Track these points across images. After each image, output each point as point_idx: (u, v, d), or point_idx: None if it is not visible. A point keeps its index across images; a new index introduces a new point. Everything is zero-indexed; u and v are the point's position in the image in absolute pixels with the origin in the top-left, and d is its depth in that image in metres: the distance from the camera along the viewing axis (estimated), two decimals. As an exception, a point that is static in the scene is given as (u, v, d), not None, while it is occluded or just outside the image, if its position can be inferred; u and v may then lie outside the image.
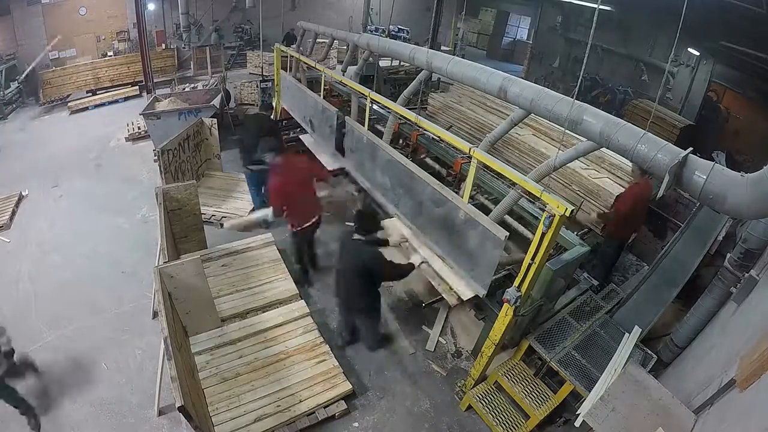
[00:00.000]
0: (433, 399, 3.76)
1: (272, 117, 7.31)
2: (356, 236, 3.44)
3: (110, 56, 11.31)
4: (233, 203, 5.94)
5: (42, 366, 3.64)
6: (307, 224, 4.31)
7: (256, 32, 12.39)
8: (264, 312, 4.17)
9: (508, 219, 3.77)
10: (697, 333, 3.62)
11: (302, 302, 4.31)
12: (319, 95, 5.89)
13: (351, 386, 3.59)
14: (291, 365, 3.63)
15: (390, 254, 3.67)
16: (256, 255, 4.83)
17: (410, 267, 3.58)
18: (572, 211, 2.61)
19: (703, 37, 9.09)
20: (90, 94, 10.51)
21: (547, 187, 2.91)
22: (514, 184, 3.18)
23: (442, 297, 4.41)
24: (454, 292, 3.57)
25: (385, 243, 3.85)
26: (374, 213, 3.66)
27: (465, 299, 3.51)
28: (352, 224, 3.52)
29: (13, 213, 5.80)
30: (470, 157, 3.36)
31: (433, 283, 3.74)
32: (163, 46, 12.18)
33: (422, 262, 3.73)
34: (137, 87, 10.80)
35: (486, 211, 3.55)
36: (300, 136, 6.55)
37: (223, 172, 6.73)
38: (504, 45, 18.94)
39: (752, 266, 3.02)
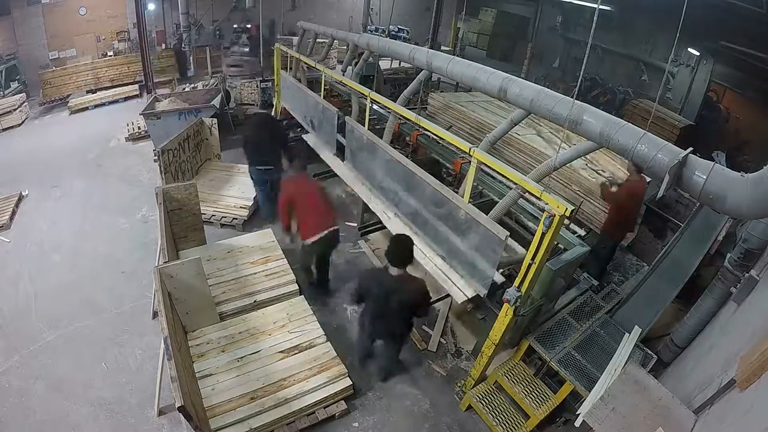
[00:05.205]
0: (433, 399, 3.76)
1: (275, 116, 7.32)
2: (394, 270, 3.17)
3: (110, 56, 11.31)
4: (232, 200, 5.93)
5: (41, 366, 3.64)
6: (319, 235, 4.11)
7: (256, 32, 12.39)
8: (264, 308, 4.15)
9: (508, 219, 3.77)
10: (697, 333, 3.62)
11: (302, 298, 4.30)
12: (320, 95, 5.89)
13: (351, 383, 3.57)
14: (291, 363, 3.62)
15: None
16: (256, 251, 4.81)
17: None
18: (572, 211, 2.62)
19: (703, 37, 9.11)
20: (90, 93, 10.51)
21: (547, 187, 2.91)
22: (514, 184, 3.18)
23: (442, 297, 4.43)
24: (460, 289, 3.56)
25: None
26: (409, 242, 3.24)
27: (464, 299, 3.51)
28: (354, 224, 3.48)
29: (13, 213, 5.79)
30: (470, 157, 3.36)
31: (441, 282, 3.72)
32: (163, 46, 12.17)
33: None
34: (137, 87, 10.80)
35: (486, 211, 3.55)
36: (303, 136, 6.54)
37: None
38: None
39: (752, 266, 3.03)
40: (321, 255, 4.45)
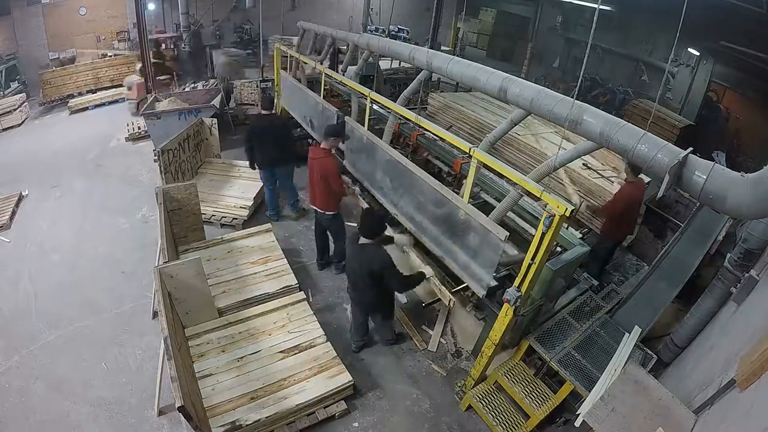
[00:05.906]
0: (433, 399, 3.76)
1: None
2: (362, 240, 3.40)
3: (110, 56, 11.31)
4: (232, 200, 5.92)
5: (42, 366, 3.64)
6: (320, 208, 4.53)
7: (256, 32, 12.40)
8: (262, 304, 4.14)
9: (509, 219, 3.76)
10: (697, 333, 3.62)
11: (302, 294, 4.30)
12: (319, 95, 5.89)
13: (352, 383, 3.55)
14: (291, 363, 3.61)
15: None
16: (256, 251, 4.81)
17: (420, 276, 3.66)
18: (572, 211, 2.62)
19: (703, 37, 9.11)
20: (90, 93, 10.50)
21: (547, 187, 2.91)
22: (514, 184, 3.18)
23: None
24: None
25: (389, 240, 3.93)
26: (381, 216, 3.58)
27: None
28: (354, 224, 3.51)
29: (13, 213, 5.79)
30: (470, 157, 3.36)
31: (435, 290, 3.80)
32: (163, 46, 12.16)
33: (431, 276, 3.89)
34: (137, 87, 10.78)
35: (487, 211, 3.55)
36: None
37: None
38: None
39: (752, 266, 3.02)
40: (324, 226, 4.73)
